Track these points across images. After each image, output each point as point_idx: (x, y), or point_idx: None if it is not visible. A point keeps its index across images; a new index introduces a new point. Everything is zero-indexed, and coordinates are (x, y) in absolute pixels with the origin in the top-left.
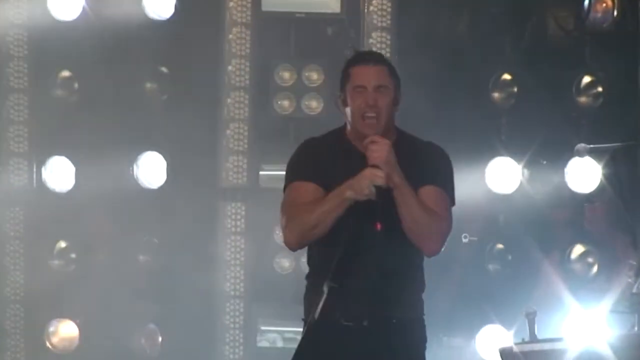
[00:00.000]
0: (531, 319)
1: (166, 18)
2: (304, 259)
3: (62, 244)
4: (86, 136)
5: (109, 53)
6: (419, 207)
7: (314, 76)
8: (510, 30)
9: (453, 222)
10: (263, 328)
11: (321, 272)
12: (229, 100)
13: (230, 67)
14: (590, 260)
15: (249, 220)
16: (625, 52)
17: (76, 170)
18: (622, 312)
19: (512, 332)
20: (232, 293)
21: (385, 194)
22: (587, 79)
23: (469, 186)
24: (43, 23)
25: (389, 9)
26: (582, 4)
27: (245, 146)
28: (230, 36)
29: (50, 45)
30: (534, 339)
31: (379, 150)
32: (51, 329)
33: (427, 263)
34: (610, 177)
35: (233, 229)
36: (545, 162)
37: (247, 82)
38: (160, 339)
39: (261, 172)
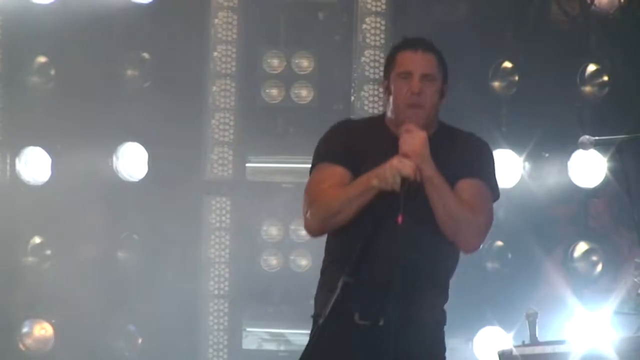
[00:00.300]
0: (532, 320)
1: (149, 2)
2: (292, 257)
3: (37, 240)
4: (63, 126)
5: (88, 38)
6: (453, 199)
7: (305, 63)
8: (511, 15)
9: None
10: (249, 329)
11: (338, 267)
12: (214, 88)
13: (215, 53)
14: (594, 258)
15: (234, 216)
16: (632, 39)
17: (52, 161)
18: (628, 313)
19: (511, 334)
20: (216, 292)
21: (411, 186)
22: (592, 68)
23: None
24: (18, 6)
25: None
26: None
27: (231, 137)
28: (216, 20)
29: (26, 30)
30: (534, 341)
31: (412, 140)
32: (25, 329)
33: None
34: (616, 171)
35: (218, 225)
36: (547, 155)
37: (234, 69)
38: (140, 340)
39: (248, 165)
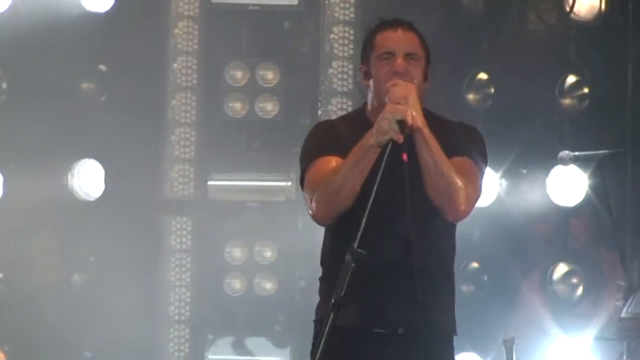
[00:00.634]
0: (509, 346)
1: (105, 10)
2: (257, 280)
3: None
4: (16, 141)
5: (42, 49)
6: (444, 158)
7: (269, 75)
8: (486, 24)
9: None
10: (211, 357)
11: (339, 261)
12: (174, 102)
13: (176, 65)
14: (574, 281)
15: (196, 237)
16: (613, 48)
17: (4, 179)
18: (610, 339)
19: None
20: (177, 318)
21: (411, 130)
22: (571, 79)
23: None
24: None
25: (352, 1)
26: None
27: (192, 153)
28: (176, 31)
29: None
30: None
31: (401, 89)
32: None
33: None
34: (597, 188)
35: (178, 246)
36: (525, 172)
37: (195, 81)
38: None
39: (210, 183)
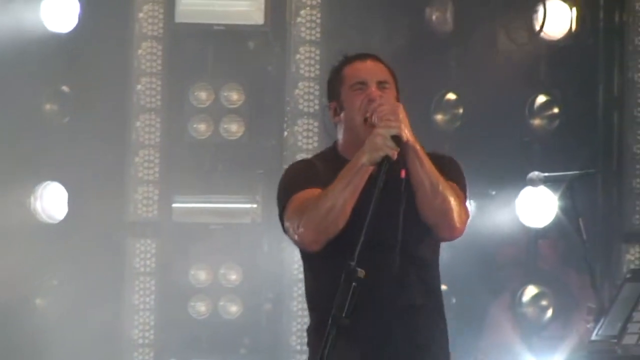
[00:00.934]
0: None
1: (68, 31)
2: (222, 302)
3: None
4: None
5: (4, 70)
6: (437, 174)
7: (234, 96)
8: (455, 43)
9: None
10: None
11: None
12: (138, 124)
13: (139, 86)
14: (544, 303)
15: (160, 259)
16: (584, 68)
17: None
18: None
19: None
20: (141, 341)
21: (405, 146)
22: (541, 99)
23: None
24: None
25: (319, 21)
26: (537, 14)
27: (156, 175)
28: (140, 51)
29: None
30: None
31: (389, 107)
32: None
33: None
34: (567, 209)
35: (142, 269)
36: (494, 193)
37: (159, 103)
38: None
39: (174, 205)
